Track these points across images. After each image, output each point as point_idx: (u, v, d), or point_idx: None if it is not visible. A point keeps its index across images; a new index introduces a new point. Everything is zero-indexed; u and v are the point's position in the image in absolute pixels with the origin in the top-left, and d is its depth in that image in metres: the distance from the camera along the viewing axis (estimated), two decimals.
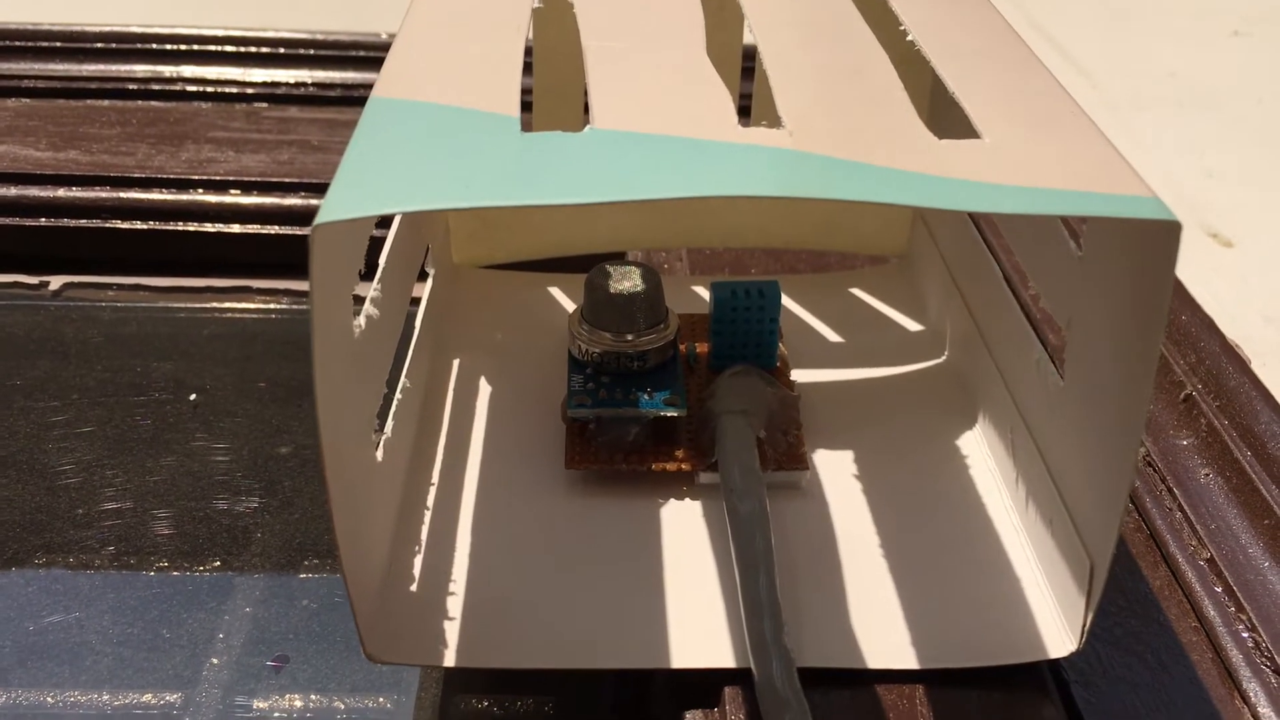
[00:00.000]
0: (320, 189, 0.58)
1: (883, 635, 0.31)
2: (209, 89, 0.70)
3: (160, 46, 0.72)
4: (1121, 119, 0.65)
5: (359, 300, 0.31)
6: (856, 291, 0.47)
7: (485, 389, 0.41)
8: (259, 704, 0.38)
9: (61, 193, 0.58)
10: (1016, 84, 0.30)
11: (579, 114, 0.44)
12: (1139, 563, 0.36)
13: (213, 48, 0.72)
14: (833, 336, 0.44)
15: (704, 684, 0.31)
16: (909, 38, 0.32)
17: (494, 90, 0.29)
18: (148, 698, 0.38)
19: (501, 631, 0.31)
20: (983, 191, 0.24)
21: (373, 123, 0.28)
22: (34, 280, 0.57)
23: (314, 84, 0.70)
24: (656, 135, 0.26)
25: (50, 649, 0.38)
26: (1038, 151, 0.26)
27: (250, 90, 0.70)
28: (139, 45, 0.72)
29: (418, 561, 0.34)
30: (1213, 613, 0.34)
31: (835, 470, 0.37)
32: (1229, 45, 0.76)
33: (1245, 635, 0.33)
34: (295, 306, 0.56)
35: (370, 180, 0.25)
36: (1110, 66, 0.73)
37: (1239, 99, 0.67)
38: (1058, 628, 0.31)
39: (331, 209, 0.24)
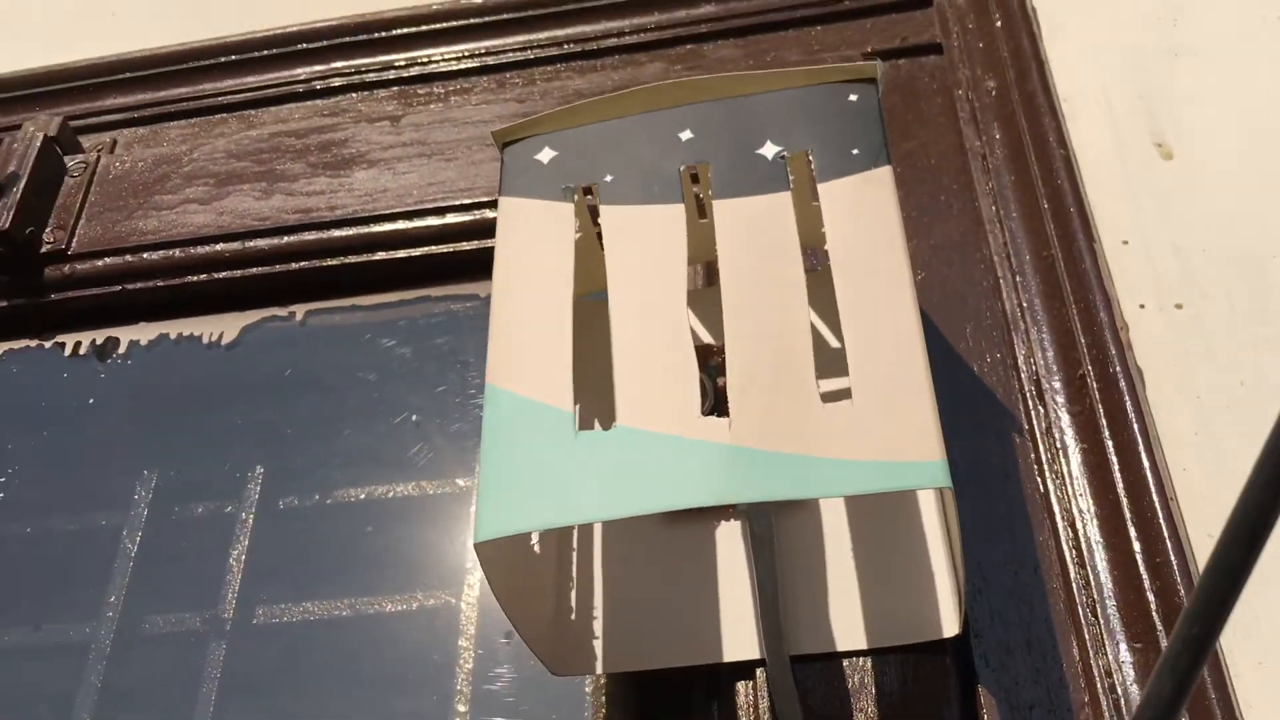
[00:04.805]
0: (458, 209, 0.77)
1: (846, 624, 0.53)
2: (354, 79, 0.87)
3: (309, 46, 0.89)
4: None
5: None
6: None
7: None
8: None
9: (289, 239, 0.78)
10: (887, 341, 0.46)
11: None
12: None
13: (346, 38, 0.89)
14: None
15: (746, 666, 0.53)
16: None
17: (556, 384, 0.48)
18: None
19: (624, 646, 0.55)
20: (828, 478, 0.43)
21: (491, 423, 0.48)
22: (285, 311, 0.80)
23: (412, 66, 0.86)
24: (647, 433, 0.45)
25: None
26: (877, 421, 0.44)
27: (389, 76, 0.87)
28: (300, 46, 0.89)
29: (573, 596, 0.57)
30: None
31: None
32: None
33: None
34: (455, 309, 0.77)
35: (498, 501, 0.46)
36: None
37: None
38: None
39: (480, 532, 0.45)
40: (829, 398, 0.46)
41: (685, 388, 0.46)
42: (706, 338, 0.62)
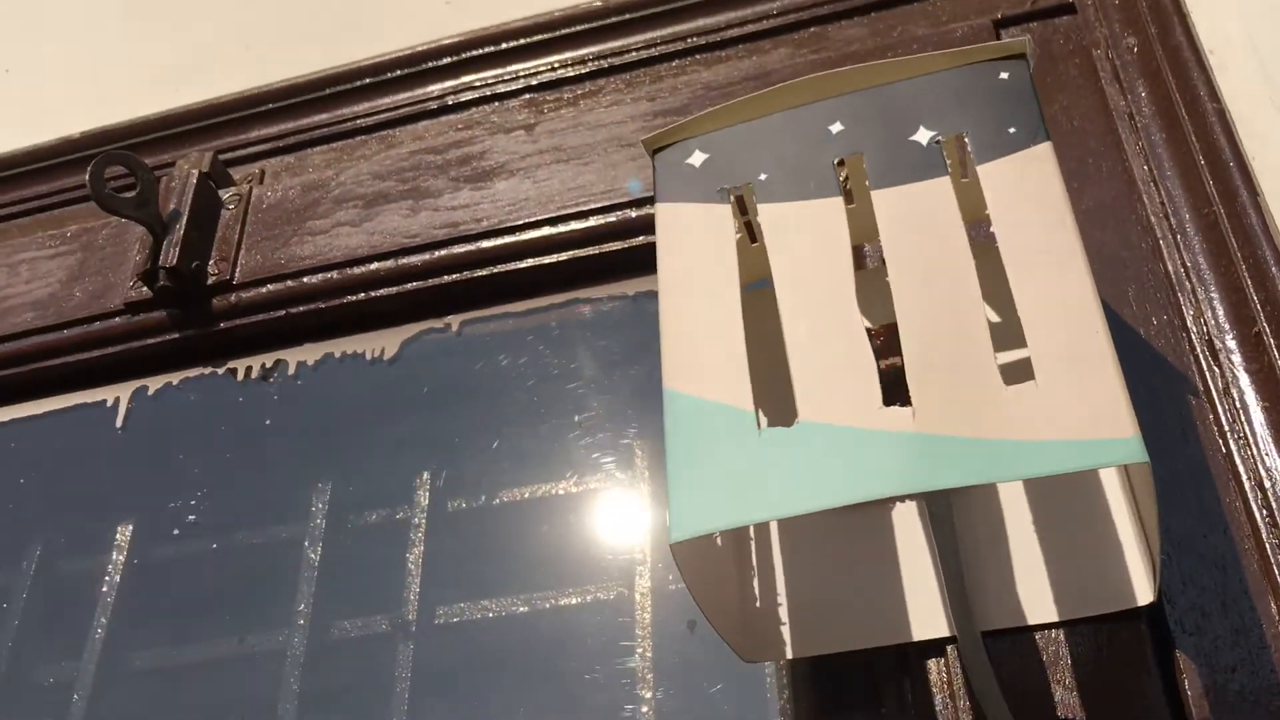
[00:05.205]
0: (600, 211, 0.78)
1: (1035, 597, 0.53)
2: (485, 91, 0.90)
3: (436, 64, 0.92)
4: None
5: None
6: None
7: None
8: None
9: (440, 254, 0.81)
10: (1066, 318, 0.46)
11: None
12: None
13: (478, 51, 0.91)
14: None
15: (936, 644, 0.54)
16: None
17: (734, 384, 0.49)
18: None
19: (812, 630, 0.56)
20: (1021, 460, 0.43)
21: (672, 426, 0.49)
22: (441, 323, 0.82)
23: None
24: (830, 426, 0.46)
25: None
26: (1064, 399, 0.44)
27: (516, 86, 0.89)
28: (428, 65, 0.92)
29: (756, 584, 0.58)
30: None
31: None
32: None
33: None
34: (605, 309, 0.78)
35: (690, 502, 0.47)
36: None
37: None
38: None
39: (675, 532, 0.46)
40: (1006, 373, 0.46)
41: (865, 379, 0.47)
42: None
